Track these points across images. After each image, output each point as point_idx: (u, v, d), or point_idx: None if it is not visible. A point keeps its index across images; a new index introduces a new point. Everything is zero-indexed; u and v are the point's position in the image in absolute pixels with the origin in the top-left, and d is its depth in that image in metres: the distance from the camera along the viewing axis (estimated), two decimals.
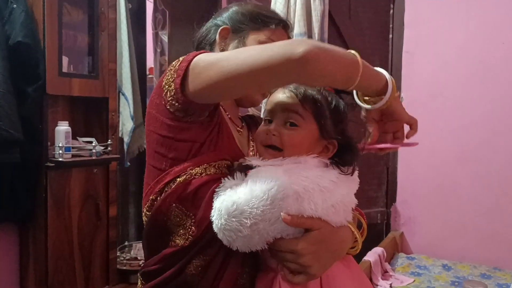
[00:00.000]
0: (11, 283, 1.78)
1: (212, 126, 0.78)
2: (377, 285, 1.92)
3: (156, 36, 2.76)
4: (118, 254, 2.18)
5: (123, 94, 2.30)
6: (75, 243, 1.81)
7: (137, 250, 2.45)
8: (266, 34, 0.88)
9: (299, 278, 0.72)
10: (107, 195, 1.94)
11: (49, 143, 1.74)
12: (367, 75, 0.73)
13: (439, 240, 2.35)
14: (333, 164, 0.77)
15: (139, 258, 2.35)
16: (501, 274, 2.07)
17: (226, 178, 0.74)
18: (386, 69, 0.79)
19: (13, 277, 1.78)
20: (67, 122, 1.79)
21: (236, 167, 0.78)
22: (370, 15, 2.46)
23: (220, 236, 0.71)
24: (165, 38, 2.75)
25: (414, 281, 2.01)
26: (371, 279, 1.92)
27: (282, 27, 0.91)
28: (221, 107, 0.86)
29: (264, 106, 1.01)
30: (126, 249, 2.51)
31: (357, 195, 0.79)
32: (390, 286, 1.95)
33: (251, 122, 0.98)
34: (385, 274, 2.05)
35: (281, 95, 0.78)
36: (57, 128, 1.76)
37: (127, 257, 2.37)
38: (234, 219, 0.68)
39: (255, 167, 0.74)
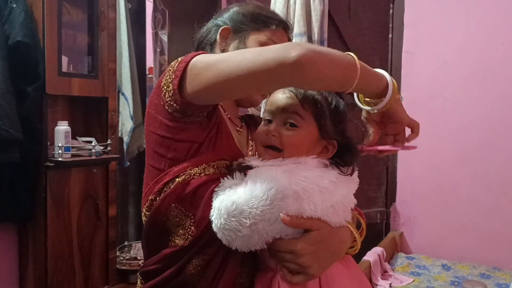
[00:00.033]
0: (11, 282, 1.78)
1: (211, 127, 0.78)
2: (376, 285, 1.92)
3: (155, 35, 2.76)
4: (117, 254, 2.18)
5: (123, 94, 2.30)
6: (74, 243, 1.81)
7: (137, 250, 2.45)
8: (266, 35, 0.88)
9: (298, 278, 0.72)
10: (106, 195, 1.94)
11: (48, 143, 1.74)
12: (365, 78, 0.72)
13: (439, 240, 2.36)
14: (333, 164, 0.77)
15: (138, 258, 2.35)
16: (501, 274, 2.07)
17: (225, 178, 0.74)
18: (386, 69, 0.79)
19: (13, 276, 1.78)
20: (67, 121, 1.79)
21: (235, 167, 0.78)
22: (369, 15, 2.46)
23: (219, 235, 0.71)
24: (164, 38, 2.75)
25: (414, 281, 2.01)
26: (370, 279, 1.92)
27: (282, 28, 0.91)
28: (220, 107, 0.86)
29: (263, 106, 1.01)
30: (126, 249, 2.52)
31: (356, 195, 0.79)
32: (390, 286, 1.95)
33: (251, 122, 0.98)
34: (384, 274, 2.05)
35: (281, 95, 0.78)
36: (56, 127, 1.76)
37: (126, 257, 2.37)
38: (233, 219, 0.68)
39: (255, 167, 0.74)
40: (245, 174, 0.74)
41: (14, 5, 1.61)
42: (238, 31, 0.89)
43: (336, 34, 2.34)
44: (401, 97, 0.80)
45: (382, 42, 2.50)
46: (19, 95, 1.61)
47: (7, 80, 1.56)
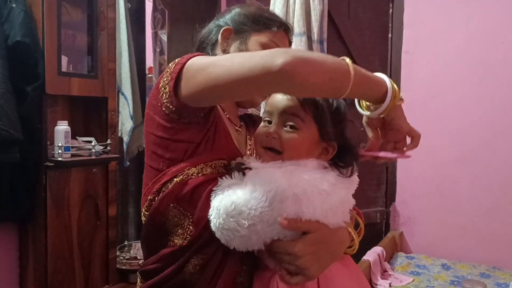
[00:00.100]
0: (11, 282, 1.78)
1: (208, 127, 0.78)
2: (376, 285, 1.92)
3: (155, 35, 2.76)
4: (117, 254, 2.18)
5: (123, 94, 2.30)
6: (74, 242, 1.81)
7: (137, 249, 2.45)
8: (267, 36, 0.89)
9: (297, 279, 0.72)
10: (106, 195, 1.94)
11: (48, 143, 1.74)
12: (361, 83, 0.71)
13: (439, 239, 2.36)
14: (332, 165, 0.77)
15: (138, 257, 2.35)
16: (500, 274, 2.07)
17: (224, 177, 0.74)
18: (385, 69, 0.79)
19: (13, 276, 1.78)
20: (67, 121, 1.79)
21: (234, 166, 0.78)
22: (369, 15, 2.46)
23: (218, 235, 0.71)
24: (164, 38, 2.75)
25: (414, 280, 2.01)
26: (370, 279, 1.92)
27: (283, 30, 0.92)
28: (219, 107, 0.86)
29: (263, 106, 1.01)
30: (126, 248, 2.52)
31: (356, 194, 0.79)
32: (390, 286, 1.95)
33: (249, 121, 0.98)
34: (384, 274, 2.05)
35: (281, 96, 0.78)
36: (56, 127, 1.76)
37: (126, 257, 2.37)
38: (232, 219, 0.68)
39: (254, 168, 0.74)
40: (244, 174, 0.74)
41: (14, 5, 1.61)
42: (239, 32, 0.89)
43: (336, 34, 2.34)
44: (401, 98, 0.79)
45: (382, 42, 2.50)
46: (19, 95, 1.61)
47: (7, 80, 1.56)
